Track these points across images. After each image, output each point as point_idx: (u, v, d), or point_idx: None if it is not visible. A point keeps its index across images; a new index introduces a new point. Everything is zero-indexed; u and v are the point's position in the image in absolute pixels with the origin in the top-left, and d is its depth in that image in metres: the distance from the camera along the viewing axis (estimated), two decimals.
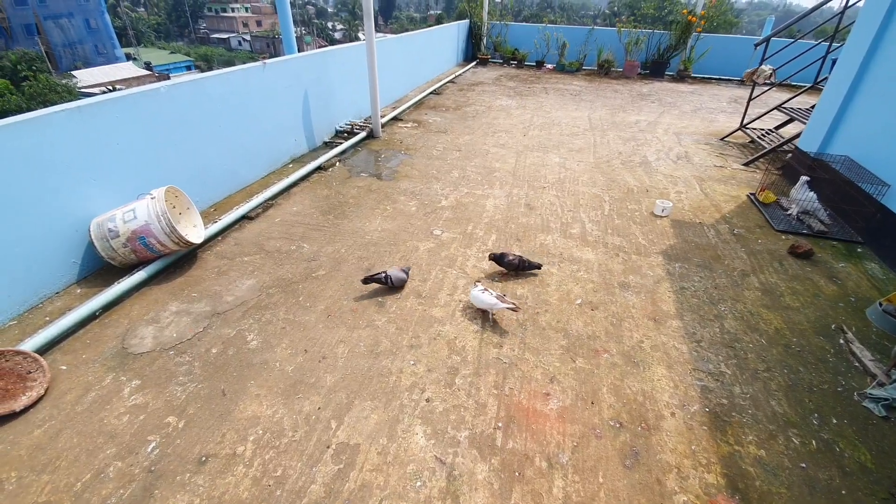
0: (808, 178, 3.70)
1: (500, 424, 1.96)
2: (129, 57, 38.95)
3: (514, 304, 2.49)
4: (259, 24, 60.07)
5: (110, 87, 24.74)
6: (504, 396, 2.10)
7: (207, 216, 3.48)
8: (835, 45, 5.23)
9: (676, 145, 5.65)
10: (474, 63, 10.86)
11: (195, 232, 3.05)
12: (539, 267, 2.98)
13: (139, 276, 2.70)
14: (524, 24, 12.24)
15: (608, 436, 1.93)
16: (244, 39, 55.67)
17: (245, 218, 3.49)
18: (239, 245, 3.17)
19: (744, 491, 1.73)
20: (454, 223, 3.59)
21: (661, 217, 3.78)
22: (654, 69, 9.91)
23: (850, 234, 3.53)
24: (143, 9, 58.43)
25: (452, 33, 10.19)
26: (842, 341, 2.48)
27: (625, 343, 2.43)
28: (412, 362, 2.26)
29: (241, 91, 3.86)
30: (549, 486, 1.73)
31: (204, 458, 1.77)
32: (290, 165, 4.54)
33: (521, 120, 6.48)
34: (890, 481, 1.79)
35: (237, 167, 3.93)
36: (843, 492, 1.75)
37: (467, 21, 10.95)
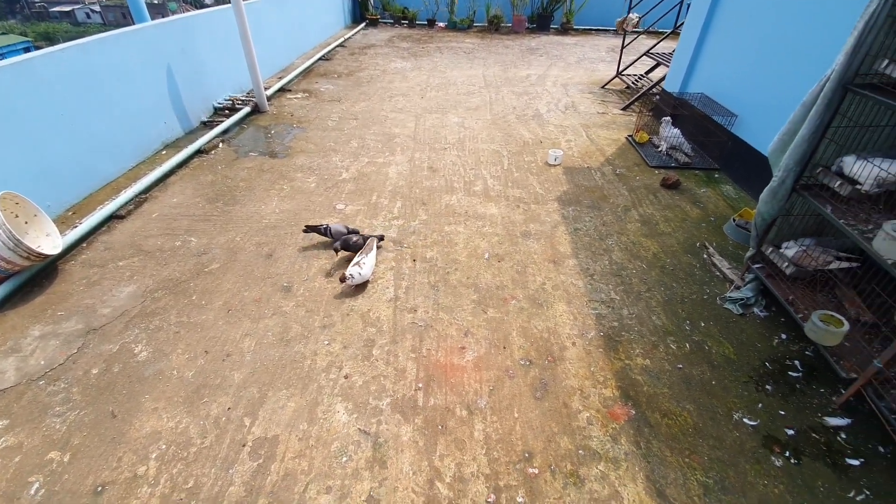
0: (669, 118, 4.13)
1: (420, 385, 2.01)
2: None
3: (377, 240, 2.78)
4: None
5: None
6: (422, 358, 2.14)
7: (65, 221, 3.00)
8: None
9: (564, 96, 5.94)
10: (364, 24, 10.32)
11: (49, 241, 2.62)
12: (382, 238, 2.92)
13: None
14: None
15: (520, 374, 2.07)
16: (93, 10, 47.04)
17: (114, 217, 3.06)
18: (110, 249, 2.79)
19: (634, 397, 1.98)
20: (357, 195, 3.48)
21: (555, 165, 4.00)
22: (541, 23, 10.18)
23: (708, 163, 4.04)
24: None
25: None
26: (705, 256, 2.88)
27: (529, 287, 2.58)
28: (326, 342, 2.21)
29: (85, 71, 3.27)
30: (471, 431, 1.83)
31: (100, 488, 1.60)
32: (164, 152, 4.03)
33: (417, 82, 6.35)
34: (749, 367, 2.15)
35: (94, 161, 3.39)
36: (714, 382, 2.07)
37: None
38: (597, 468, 1.71)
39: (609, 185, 3.70)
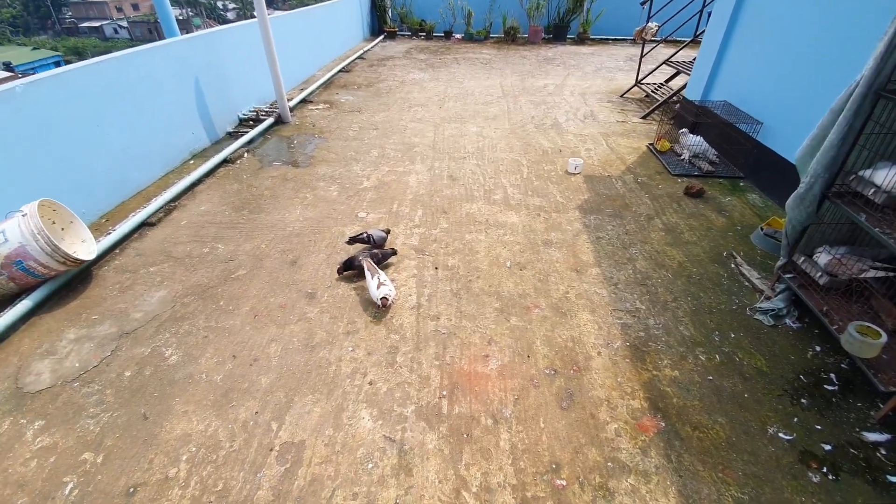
0: (686, 129, 4.12)
1: (444, 393, 2.00)
2: None
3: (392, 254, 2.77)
4: (136, 7, 53.23)
5: None
6: (446, 366, 2.14)
7: (99, 228, 3.10)
8: None
9: (583, 105, 5.93)
10: (382, 37, 10.51)
11: (85, 247, 2.70)
12: (394, 252, 2.84)
13: (23, 305, 2.36)
14: None
15: (545, 384, 2.05)
16: (120, 26, 49.02)
17: (145, 225, 3.15)
18: (142, 255, 2.87)
19: (664, 409, 1.93)
20: (379, 203, 3.52)
21: (575, 174, 3.99)
22: (557, 33, 10.23)
23: (733, 171, 3.98)
24: None
25: (354, 5, 9.73)
26: (733, 265, 2.82)
27: (552, 296, 2.57)
28: (350, 349, 2.22)
29: (120, 83, 3.41)
30: (497, 440, 1.81)
31: (132, 489, 1.63)
32: (192, 162, 4.15)
33: (435, 92, 6.43)
34: (783, 380, 2.08)
35: (127, 170, 3.51)
36: (746, 395, 2.01)
37: None
38: (626, 481, 1.67)
39: (631, 194, 3.67)
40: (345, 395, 1.99)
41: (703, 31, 4.75)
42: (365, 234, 2.86)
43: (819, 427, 1.88)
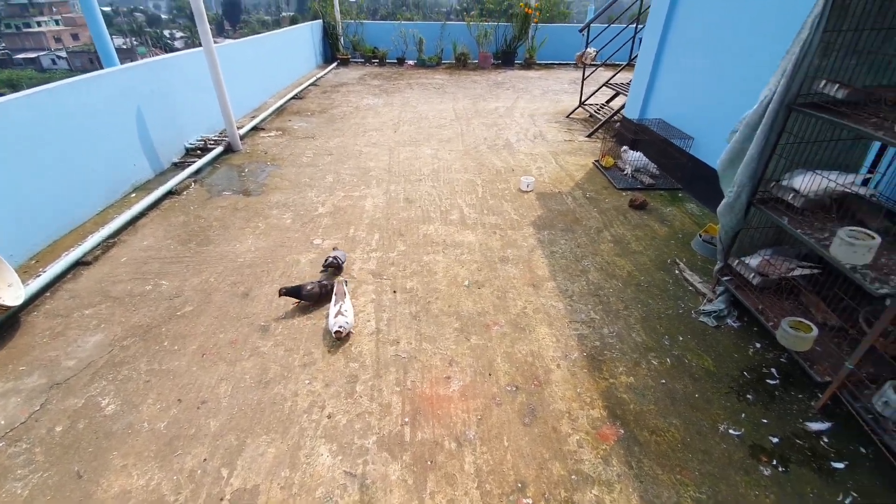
0: (626, 147, 4.40)
1: (406, 420, 1.96)
2: None
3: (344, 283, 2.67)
4: (76, 37, 51.04)
5: None
6: (407, 391, 2.10)
7: (28, 270, 2.87)
8: (640, 26, 6.16)
9: (532, 126, 6.17)
10: (335, 64, 10.57)
11: (11, 292, 2.49)
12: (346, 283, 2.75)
13: None
14: (380, 21, 12.25)
15: (507, 401, 2.05)
16: (59, 57, 46.75)
17: (80, 264, 2.94)
18: (76, 297, 2.67)
19: (622, 416, 1.98)
20: (334, 229, 3.47)
21: (527, 192, 4.11)
22: (505, 59, 10.67)
23: (671, 183, 4.23)
24: None
25: (306, 34, 9.77)
26: (677, 272, 2.97)
27: (511, 312, 2.60)
28: (307, 381, 2.14)
29: (53, 115, 3.22)
30: (461, 464, 1.78)
31: None
32: (133, 195, 3.95)
33: (390, 117, 6.50)
34: (729, 378, 2.19)
35: (60, 206, 3.28)
36: (696, 395, 2.10)
37: (321, 21, 10.59)
38: (591, 493, 1.68)
39: (581, 209, 3.82)
40: (302, 431, 1.90)
41: (637, 55, 5.11)
42: (332, 258, 2.88)
43: (765, 421, 1.97)
